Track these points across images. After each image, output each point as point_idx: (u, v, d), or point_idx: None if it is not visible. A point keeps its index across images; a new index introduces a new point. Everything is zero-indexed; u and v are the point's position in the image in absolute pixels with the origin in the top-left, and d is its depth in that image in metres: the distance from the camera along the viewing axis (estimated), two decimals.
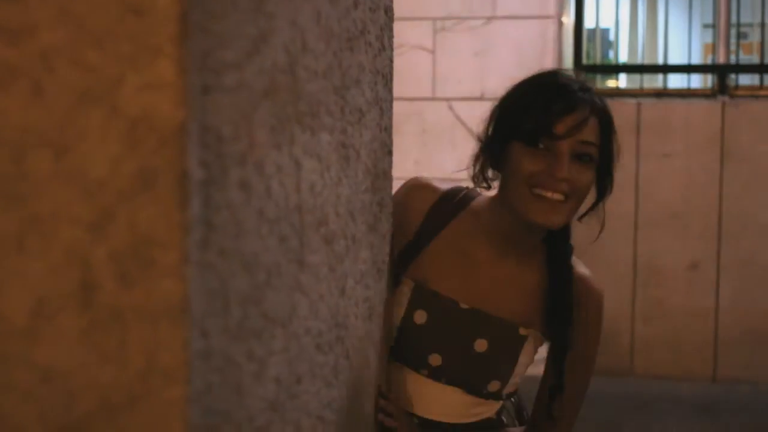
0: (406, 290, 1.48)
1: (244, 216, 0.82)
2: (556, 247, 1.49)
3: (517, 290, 1.49)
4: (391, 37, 1.41)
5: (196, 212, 0.72)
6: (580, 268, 1.52)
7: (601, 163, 1.41)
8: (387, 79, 1.39)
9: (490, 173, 1.50)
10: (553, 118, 1.35)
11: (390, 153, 1.43)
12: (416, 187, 1.55)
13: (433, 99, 4.80)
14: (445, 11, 4.75)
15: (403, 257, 1.50)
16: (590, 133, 1.38)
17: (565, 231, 1.48)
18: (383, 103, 1.37)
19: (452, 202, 1.51)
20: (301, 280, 0.99)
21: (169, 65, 0.70)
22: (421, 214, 1.50)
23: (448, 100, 4.77)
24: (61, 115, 0.71)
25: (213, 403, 0.76)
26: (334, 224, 1.11)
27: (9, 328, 0.72)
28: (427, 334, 1.46)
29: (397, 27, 4.77)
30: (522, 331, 1.47)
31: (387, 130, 1.40)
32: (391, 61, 1.42)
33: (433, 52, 4.78)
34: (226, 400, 0.79)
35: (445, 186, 1.54)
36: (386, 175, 1.39)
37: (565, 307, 1.46)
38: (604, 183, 1.46)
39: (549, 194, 1.35)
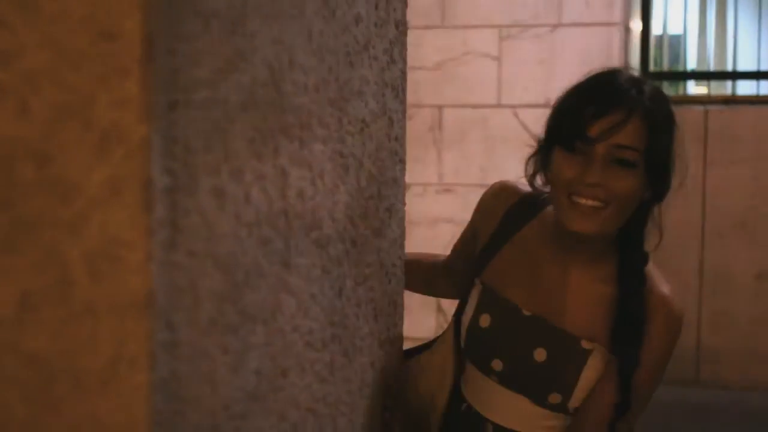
0: (475, 293, 1.47)
1: (217, 220, 0.89)
2: (627, 255, 1.41)
3: (583, 300, 1.41)
4: (403, 50, 1.47)
5: (160, 216, 0.80)
6: (660, 283, 1.42)
7: (650, 168, 1.34)
8: (398, 90, 1.45)
9: (539, 179, 1.47)
10: (585, 121, 1.31)
11: (402, 161, 1.48)
12: (497, 189, 1.55)
13: (498, 106, 4.83)
14: (511, 19, 4.77)
15: (479, 260, 1.50)
16: (629, 136, 1.31)
17: (636, 237, 1.41)
18: (393, 113, 1.43)
19: (529, 206, 1.49)
20: (287, 281, 1.06)
21: (135, 84, 0.78)
22: (498, 217, 1.50)
23: (513, 107, 4.79)
24: (43, 128, 0.80)
25: (180, 390, 0.84)
26: (330, 229, 1.18)
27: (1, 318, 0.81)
28: (490, 339, 1.44)
29: (463, 35, 4.81)
30: (585, 344, 1.38)
31: (398, 139, 1.46)
32: (404, 73, 1.48)
33: (498, 59, 4.81)
34: (195, 388, 0.86)
35: (526, 190, 1.51)
36: (397, 183, 1.45)
37: (632, 322, 1.36)
38: (656, 189, 1.38)
39: (583, 201, 1.31)
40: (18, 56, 0.79)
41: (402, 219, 1.49)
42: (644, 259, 1.41)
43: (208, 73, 0.87)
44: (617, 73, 1.40)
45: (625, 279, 1.38)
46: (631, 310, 1.36)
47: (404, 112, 1.49)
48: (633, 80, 1.38)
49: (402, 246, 1.50)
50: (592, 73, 1.41)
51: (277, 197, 1.02)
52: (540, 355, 1.40)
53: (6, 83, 0.80)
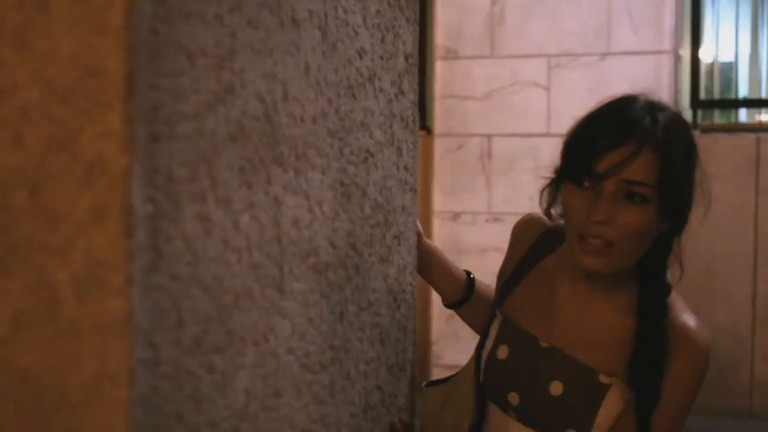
0: (495, 325, 1.43)
1: (202, 245, 0.94)
2: (647, 285, 1.33)
3: (602, 333, 1.34)
4: (413, 81, 1.51)
5: (141, 241, 0.85)
6: (683, 314, 1.33)
7: (664, 202, 1.26)
8: (407, 121, 1.49)
9: (555, 210, 1.41)
10: (593, 155, 1.24)
11: (413, 190, 1.52)
12: (526, 221, 1.53)
13: (547, 135, 4.83)
14: (560, 48, 4.78)
15: (501, 291, 1.47)
16: (640, 171, 1.23)
17: (656, 268, 1.34)
18: (402, 143, 1.47)
19: (554, 237, 1.46)
20: (281, 305, 1.10)
21: (117, 118, 0.83)
22: (525, 248, 1.49)
23: (562, 136, 4.78)
24: (35, 159, 0.85)
25: (162, 406, 0.88)
26: (329, 255, 1.22)
27: None
28: (507, 371, 1.38)
29: (512, 64, 4.83)
30: (603, 378, 1.30)
31: (408, 168, 1.49)
32: (414, 104, 1.52)
33: (547, 88, 4.82)
34: (178, 404, 0.91)
35: (553, 222, 1.46)
36: (406, 210, 1.49)
37: (652, 355, 1.28)
38: (673, 223, 1.31)
39: (591, 239, 1.25)
40: (13, 92, 0.86)
41: (413, 246, 1.52)
42: (666, 289, 1.34)
43: (193, 107, 0.92)
44: (631, 101, 1.30)
45: (645, 310, 1.31)
46: (651, 342, 1.28)
47: (415, 142, 1.53)
48: (648, 108, 1.29)
49: (413, 273, 1.53)
50: (606, 101, 1.34)
51: (269, 224, 1.06)
52: (556, 388, 1.32)
53: (2, 117, 0.86)
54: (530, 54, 4.81)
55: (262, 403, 1.06)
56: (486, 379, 1.41)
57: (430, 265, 1.55)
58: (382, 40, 1.37)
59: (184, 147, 0.91)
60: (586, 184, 1.26)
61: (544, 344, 1.35)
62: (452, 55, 4.97)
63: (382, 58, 1.37)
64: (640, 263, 1.34)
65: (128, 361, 0.84)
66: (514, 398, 1.36)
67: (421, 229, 1.54)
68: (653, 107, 1.30)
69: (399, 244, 1.46)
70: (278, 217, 1.09)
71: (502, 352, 1.38)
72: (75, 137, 0.84)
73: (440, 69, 5.00)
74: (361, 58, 1.30)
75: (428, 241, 1.57)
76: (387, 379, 1.43)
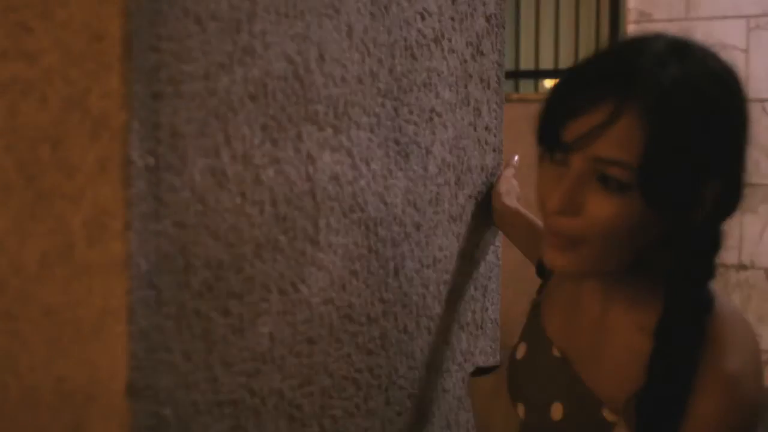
0: (524, 320, 1.18)
1: (215, 197, 0.99)
2: (671, 299, 0.93)
3: (617, 353, 0.98)
4: (497, 42, 1.47)
5: (140, 191, 0.91)
6: (726, 346, 0.90)
7: (646, 193, 0.87)
8: (489, 81, 1.46)
9: None
10: (559, 121, 0.90)
11: (496, 150, 1.49)
12: None
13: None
14: (760, 9, 4.42)
15: (541, 285, 1.22)
16: (613, 146, 0.86)
17: (681, 276, 0.93)
18: (483, 104, 1.44)
19: None
20: (315, 256, 1.13)
21: (117, 78, 0.89)
22: None
23: (762, 101, 4.44)
24: (55, 117, 0.93)
25: (166, 342, 0.94)
26: (379, 212, 1.23)
27: (27, 274, 0.96)
28: (520, 375, 1.13)
29: (708, 26, 4.54)
30: (607, 414, 0.96)
31: (489, 129, 1.46)
32: (499, 64, 1.48)
33: (746, 51, 4.48)
34: (185, 342, 0.96)
35: None
36: (484, 170, 1.46)
37: (666, 394, 0.89)
38: (676, 223, 0.91)
39: (553, 230, 0.93)
40: (39, 56, 0.94)
41: (489, 206, 1.48)
42: (697, 306, 0.92)
43: (202, 68, 0.97)
44: (644, 42, 0.90)
45: (663, 333, 0.92)
46: (665, 376, 0.90)
47: (500, 102, 1.50)
48: (662, 53, 0.88)
49: (495, 232, 1.50)
50: (622, 38, 1.05)
51: (299, 179, 1.09)
52: (556, 412, 1.03)
53: (31, 79, 0.94)
54: (728, 15, 4.49)
55: (291, 349, 1.10)
56: (507, 377, 1.16)
57: (512, 227, 1.48)
58: (453, 1, 1.35)
59: (191, 105, 0.96)
60: (558, 157, 0.92)
61: (556, 353, 1.06)
62: (645, 18, 4.73)
63: (452, 18, 1.36)
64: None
65: (127, 299, 0.90)
66: (521, 410, 1.11)
67: (504, 189, 1.47)
68: (669, 52, 0.88)
69: (474, 205, 1.44)
70: (312, 172, 1.11)
71: (521, 351, 1.13)
72: (85, 96, 0.91)
73: (634, 32, 4.78)
74: (423, 19, 1.29)
75: (513, 202, 1.49)
76: (459, 337, 1.42)
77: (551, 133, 0.91)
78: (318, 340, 1.14)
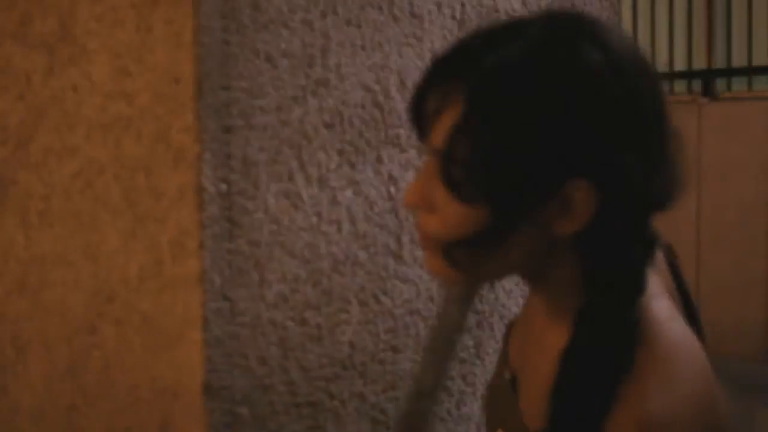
0: None
1: (290, 218, 1.06)
2: (588, 300, 0.72)
3: (547, 377, 0.74)
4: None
5: (212, 214, 1.00)
6: (656, 375, 0.66)
7: (456, 184, 0.69)
8: None
9: None
10: (413, 109, 0.75)
11: None
12: None
13: None
14: None
15: None
16: (439, 136, 0.70)
17: (596, 290, 0.71)
18: None
19: None
20: (399, 270, 1.17)
21: (192, 115, 0.99)
22: None
23: None
24: (148, 149, 1.05)
25: (241, 348, 1.03)
26: None
27: (130, 286, 1.09)
28: (488, 398, 0.94)
29: None
30: None
31: None
32: None
33: None
34: (260, 349, 1.05)
35: None
36: None
37: (573, 415, 0.69)
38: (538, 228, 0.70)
39: None
40: (135, 96, 1.06)
41: None
42: (614, 330, 0.69)
43: (274, 101, 1.05)
44: (503, 22, 0.72)
45: (566, 361, 0.71)
46: (564, 413, 0.70)
47: None
48: (504, 33, 0.70)
49: None
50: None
51: (380, 198, 1.14)
52: None
53: (130, 116, 1.07)
54: None
55: (374, 356, 1.15)
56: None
57: None
58: None
59: (263, 135, 1.04)
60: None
61: (507, 375, 0.87)
62: None
63: None
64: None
65: (203, 310, 1.00)
66: None
67: None
68: (512, 34, 0.69)
69: None
70: (394, 192, 1.16)
71: (507, 373, 0.89)
72: (168, 131, 1.02)
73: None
74: None
75: None
76: None
77: (412, 123, 0.75)
78: (403, 348, 1.19)
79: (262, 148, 1.06)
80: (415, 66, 1.18)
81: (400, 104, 1.18)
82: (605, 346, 0.69)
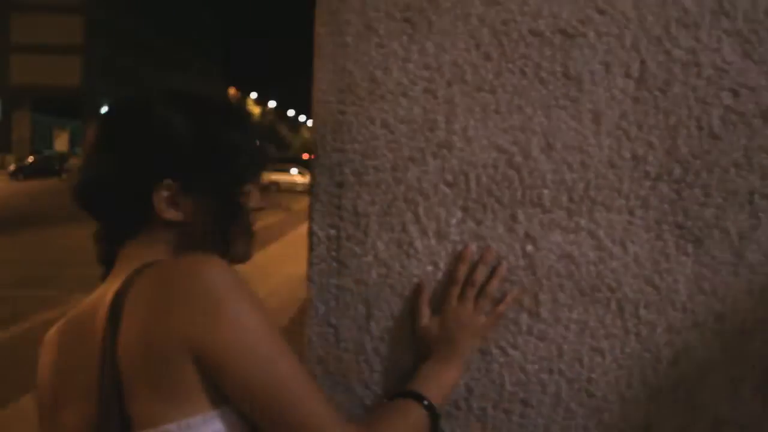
0: None
1: (402, 263, 2.09)
2: None
3: None
4: None
5: (320, 254, 2.09)
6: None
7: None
8: None
9: None
10: None
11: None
12: None
13: None
14: None
15: None
16: None
17: None
18: None
19: None
20: (534, 326, 2.13)
21: (308, 173, 2.11)
22: None
23: None
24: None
25: (342, 370, 2.07)
26: (642, 294, 2.09)
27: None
28: None
29: None
30: None
31: None
32: None
33: None
34: (358, 372, 2.10)
35: None
36: None
37: None
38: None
39: None
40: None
41: None
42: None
43: (389, 162, 1.99)
44: None
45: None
46: None
47: None
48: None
49: None
50: None
51: (512, 255, 2.07)
52: None
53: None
54: None
55: (496, 404, 2.16)
56: None
57: None
58: None
59: (376, 191, 2.00)
60: None
61: None
62: None
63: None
64: None
65: (308, 332, 2.16)
66: None
67: None
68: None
69: None
70: (531, 250, 2.07)
71: None
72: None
73: None
74: (737, 95, 1.98)
75: None
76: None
77: None
78: (536, 404, 2.11)
79: (374, 202, 2.01)
80: (563, 128, 1.83)
81: (546, 165, 2.01)
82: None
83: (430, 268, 1.87)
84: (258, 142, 1.84)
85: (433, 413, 1.85)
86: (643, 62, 1.81)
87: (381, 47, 1.93)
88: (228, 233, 1.83)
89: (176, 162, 1.76)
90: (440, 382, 1.92)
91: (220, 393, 1.60)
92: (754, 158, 1.88)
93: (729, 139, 1.88)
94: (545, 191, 1.81)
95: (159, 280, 1.64)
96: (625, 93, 1.80)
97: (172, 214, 1.77)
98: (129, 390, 1.61)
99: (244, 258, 1.86)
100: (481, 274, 1.97)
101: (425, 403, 1.85)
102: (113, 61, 78.81)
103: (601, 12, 1.90)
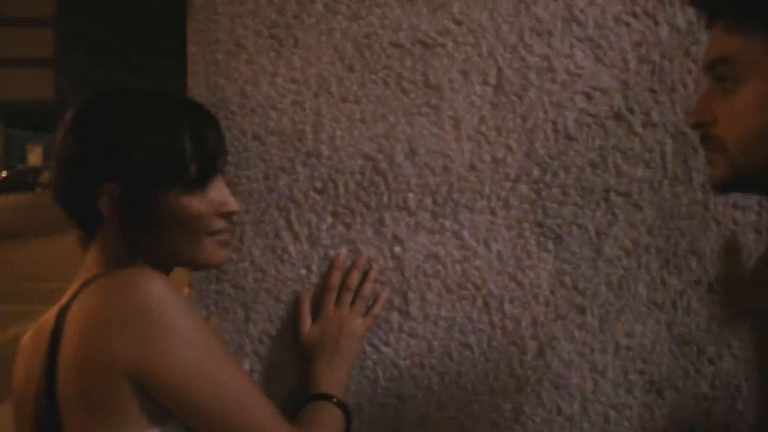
0: None
1: (276, 269, 2.19)
2: None
3: None
4: None
5: None
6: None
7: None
8: None
9: None
10: None
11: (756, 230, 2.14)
12: None
13: None
14: None
15: None
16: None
17: None
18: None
19: None
20: (404, 325, 2.23)
21: None
22: None
23: None
24: None
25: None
26: (507, 290, 2.20)
27: None
28: None
29: None
30: None
31: (738, 204, 2.14)
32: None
33: None
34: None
35: None
36: (713, 253, 2.18)
37: None
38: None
39: None
40: None
41: (732, 295, 2.13)
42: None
43: (261, 172, 2.01)
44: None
45: None
46: None
47: None
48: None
49: (751, 326, 2.16)
50: None
51: (381, 257, 2.16)
52: None
53: None
54: None
55: (372, 400, 2.25)
56: None
57: None
58: (653, 72, 2.07)
59: (250, 200, 2.10)
60: None
61: None
62: None
63: (653, 91, 2.03)
64: None
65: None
66: None
67: None
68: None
69: (707, 292, 2.17)
70: (399, 251, 2.16)
71: None
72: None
73: None
74: (590, 98, 2.09)
75: None
76: None
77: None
78: (410, 398, 2.19)
79: (249, 211, 2.11)
80: (424, 134, 1.90)
81: (410, 170, 1.97)
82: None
83: (303, 271, 1.96)
84: (196, 142, 1.80)
85: (344, 408, 1.96)
86: (499, 69, 1.92)
87: (250, 63, 2.02)
88: (170, 238, 1.84)
89: (109, 167, 1.77)
90: (337, 382, 2.01)
91: (162, 409, 1.64)
92: (608, 158, 1.99)
93: (584, 140, 1.97)
94: (410, 195, 1.92)
95: (95, 297, 1.65)
96: (483, 99, 1.91)
97: (114, 220, 1.77)
98: (66, 409, 1.65)
99: (211, 262, 1.88)
100: (354, 279, 2.05)
101: (335, 400, 1.95)
102: (87, 74, 78.68)
103: (458, 23, 1.97)
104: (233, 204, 1.83)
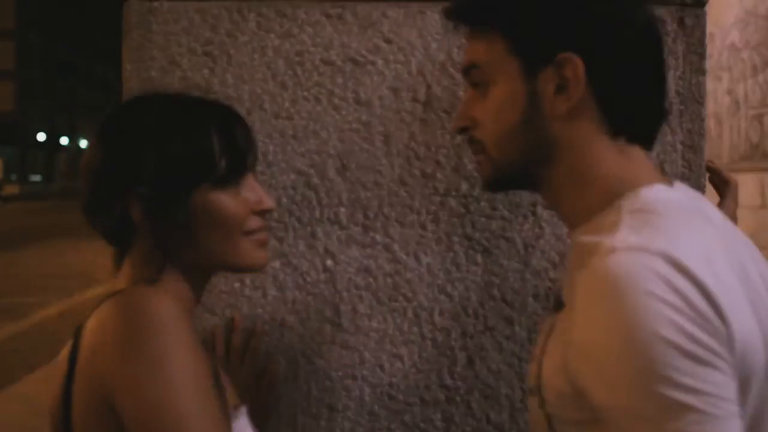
0: None
1: (213, 282, 2.25)
2: None
3: None
4: (682, 121, 2.15)
5: None
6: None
7: None
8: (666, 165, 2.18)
9: None
10: None
11: None
12: None
13: None
14: None
15: None
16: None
17: None
18: None
19: None
20: (336, 336, 2.27)
21: None
22: None
23: None
24: None
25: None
26: (437, 302, 2.25)
27: None
28: None
29: None
30: None
31: None
32: (689, 146, 2.16)
33: None
34: None
35: None
36: None
37: None
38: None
39: None
40: None
41: None
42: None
43: None
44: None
45: None
46: None
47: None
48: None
49: None
50: None
51: (312, 270, 2.17)
52: None
53: None
54: None
55: (305, 410, 2.29)
56: None
57: None
58: None
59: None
60: None
61: None
62: None
63: None
64: None
65: None
66: None
67: None
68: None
69: None
70: (331, 264, 2.21)
71: None
72: None
73: None
74: None
75: None
76: None
77: None
78: (342, 409, 2.24)
79: None
80: (356, 150, 1.95)
81: (341, 185, 2.12)
82: None
83: (237, 284, 2.00)
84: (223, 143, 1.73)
85: None
86: (429, 86, 1.96)
87: (184, 80, 2.03)
88: (206, 240, 1.75)
89: (139, 170, 1.71)
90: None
91: None
92: None
93: None
94: (342, 209, 1.96)
95: (103, 314, 1.58)
96: (413, 116, 1.95)
97: (147, 226, 1.70)
98: (77, 428, 1.62)
99: (250, 263, 1.78)
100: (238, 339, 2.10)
101: None
102: (48, 87, 78.48)
103: (388, 41, 2.00)
104: (268, 201, 1.73)
